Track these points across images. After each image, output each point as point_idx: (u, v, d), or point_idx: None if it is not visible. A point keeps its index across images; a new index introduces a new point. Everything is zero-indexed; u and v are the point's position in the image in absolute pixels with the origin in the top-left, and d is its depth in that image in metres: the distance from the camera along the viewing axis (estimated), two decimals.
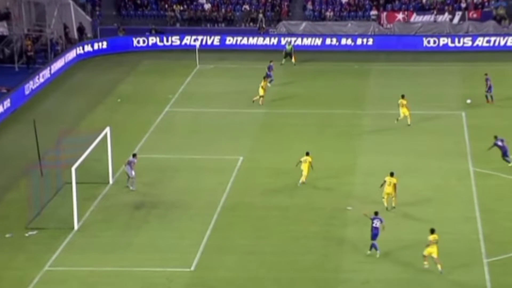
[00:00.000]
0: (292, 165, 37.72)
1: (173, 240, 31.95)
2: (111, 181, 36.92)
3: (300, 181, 35.92)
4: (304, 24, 63.23)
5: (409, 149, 41.28)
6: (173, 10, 64.91)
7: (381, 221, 30.65)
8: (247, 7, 65.05)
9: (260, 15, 64.21)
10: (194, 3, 65.38)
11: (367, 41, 61.11)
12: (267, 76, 50.09)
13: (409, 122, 44.02)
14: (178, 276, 29.31)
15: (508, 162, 38.42)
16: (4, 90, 50.02)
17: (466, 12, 63.18)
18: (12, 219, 33.53)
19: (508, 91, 50.18)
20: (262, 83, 47.86)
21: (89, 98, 50.31)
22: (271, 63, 52.09)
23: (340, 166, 39.20)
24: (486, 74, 47.91)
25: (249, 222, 33.56)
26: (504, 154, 38.39)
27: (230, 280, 29.25)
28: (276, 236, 32.33)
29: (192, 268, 29.85)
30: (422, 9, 63.83)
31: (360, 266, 30.07)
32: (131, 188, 36.12)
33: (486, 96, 47.58)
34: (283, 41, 59.65)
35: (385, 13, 63.67)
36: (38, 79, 51.68)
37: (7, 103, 47.18)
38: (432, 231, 29.60)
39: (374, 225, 30.56)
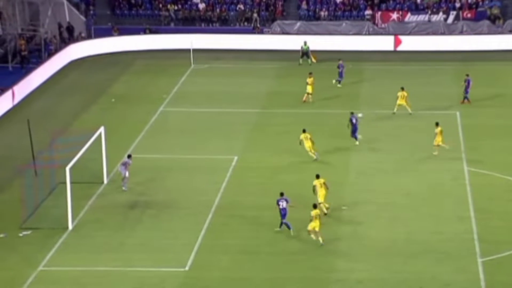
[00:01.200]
0: (288, 164, 37.75)
1: (167, 240, 31.95)
2: (105, 181, 36.91)
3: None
4: (298, 23, 63.29)
5: (402, 149, 41.35)
6: (167, 10, 64.90)
7: (287, 201, 32.09)
8: (241, 6, 65.08)
9: (255, 15, 64.25)
10: (189, 2, 65.39)
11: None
12: (339, 76, 50.18)
13: (410, 111, 45.39)
14: (172, 276, 29.33)
15: (356, 139, 40.78)
16: None
17: (460, 12, 63.31)
18: (6, 219, 33.49)
19: (502, 90, 50.34)
20: (308, 80, 47.53)
21: (83, 97, 50.28)
22: (341, 62, 51.39)
23: (333, 166, 39.23)
24: (467, 75, 47.88)
25: (243, 221, 33.57)
26: (354, 132, 41.00)
27: (224, 280, 29.27)
28: (270, 236, 32.34)
29: (186, 268, 29.86)
30: (416, 9, 63.95)
31: (353, 266, 30.11)
32: (123, 188, 36.10)
33: (465, 97, 47.42)
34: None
35: (379, 13, 63.77)
36: (32, 78, 51.61)
37: (1, 102, 47.10)
38: (315, 207, 31.46)
39: (280, 207, 32.05)
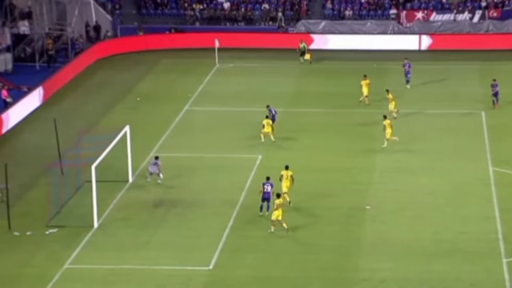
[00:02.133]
0: (310, 163, 37.76)
1: (191, 238, 32.05)
2: (130, 180, 37.08)
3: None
4: (323, 23, 63.18)
5: (427, 148, 41.16)
6: (193, 9, 65.04)
7: (272, 186, 33.08)
8: (266, 6, 65.06)
9: (280, 14, 64.21)
10: (214, 2, 65.47)
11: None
12: (405, 75, 49.74)
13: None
14: (196, 274, 29.40)
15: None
16: (25, 89, 50.34)
17: (486, 11, 62.88)
18: (33, 217, 33.74)
19: None
20: (363, 82, 47.07)
21: (109, 96, 50.53)
22: (407, 61, 50.96)
23: (358, 165, 39.16)
24: (494, 80, 47.18)
25: (267, 220, 33.54)
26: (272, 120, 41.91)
27: (248, 278, 29.30)
28: (293, 235, 32.32)
29: (211, 267, 29.92)
30: (442, 8, 63.59)
31: (377, 266, 30.03)
32: (158, 181, 36.40)
33: (493, 101, 46.85)
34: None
35: (404, 12, 63.47)
36: (59, 77, 51.93)
37: (28, 101, 47.47)
38: (278, 196, 32.21)
39: (265, 190, 32.94)
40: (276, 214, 32.01)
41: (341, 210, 34.56)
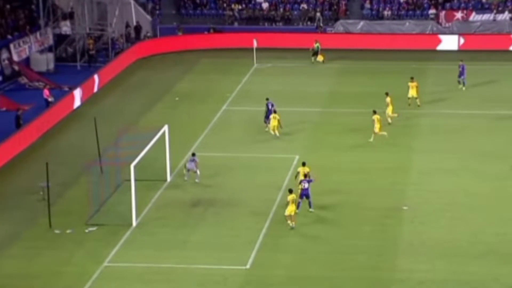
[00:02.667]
0: (347, 164, 37.61)
1: (228, 238, 32.10)
2: (168, 179, 37.25)
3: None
4: (361, 23, 62.95)
5: (466, 149, 40.78)
6: (232, 9, 65.18)
7: (309, 182, 33.38)
8: (305, 6, 64.98)
9: (318, 14, 64.09)
10: (252, 2, 65.56)
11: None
12: (459, 76, 49.37)
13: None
14: (233, 274, 29.43)
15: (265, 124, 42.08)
16: (66, 88, 50.85)
17: None
18: (73, 215, 34.02)
19: None
20: (410, 84, 46.42)
21: (148, 96, 50.83)
22: (462, 63, 50.45)
23: (395, 165, 38.94)
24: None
25: (305, 220, 33.47)
26: (266, 116, 42.31)
27: (285, 278, 29.27)
28: (330, 235, 32.26)
29: (248, 266, 29.94)
30: (481, 8, 62.95)
31: (415, 266, 29.82)
32: (196, 180, 36.56)
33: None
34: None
35: (443, 12, 62.97)
36: (99, 77, 52.38)
37: (69, 101, 47.93)
38: (290, 191, 32.29)
39: (303, 187, 33.25)
40: (290, 210, 32.17)
41: (378, 210, 34.37)
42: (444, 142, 41.75)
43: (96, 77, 51.96)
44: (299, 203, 33.47)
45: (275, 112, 42.18)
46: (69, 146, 42.55)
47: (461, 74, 50.21)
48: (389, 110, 43.85)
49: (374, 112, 41.50)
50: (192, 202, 35.23)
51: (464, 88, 50.11)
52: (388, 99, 44.15)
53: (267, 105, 43.37)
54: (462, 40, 60.43)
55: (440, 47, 60.43)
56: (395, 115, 43.96)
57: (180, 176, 37.47)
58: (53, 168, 34.60)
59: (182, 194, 36.01)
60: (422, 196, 35.63)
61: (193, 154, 37.33)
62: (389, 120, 43.63)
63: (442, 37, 61.22)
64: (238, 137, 43.21)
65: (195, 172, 36.84)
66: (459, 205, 34.69)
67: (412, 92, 46.38)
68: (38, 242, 31.99)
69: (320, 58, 56.80)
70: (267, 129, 42.69)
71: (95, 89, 51.35)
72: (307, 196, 33.57)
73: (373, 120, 41.04)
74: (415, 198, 35.40)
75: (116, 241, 31.73)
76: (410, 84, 46.61)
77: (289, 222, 32.46)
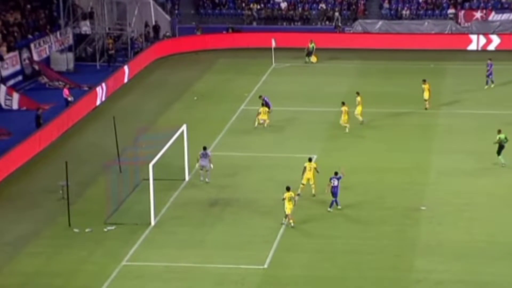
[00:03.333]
0: (365, 163, 37.51)
1: (246, 237, 32.11)
2: (187, 178, 37.30)
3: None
4: (380, 22, 62.79)
5: (484, 149, 40.51)
6: (250, 9, 65.19)
7: (338, 180, 33.49)
8: (323, 5, 64.88)
9: (336, 14, 63.96)
10: (271, 1, 65.53)
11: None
12: (487, 76, 48.79)
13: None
14: (251, 273, 29.43)
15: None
16: (86, 88, 51.05)
17: None
18: (92, 214, 34.14)
19: None
20: (424, 86, 45.92)
21: (167, 95, 50.95)
22: (490, 61, 49.94)
23: (413, 165, 38.82)
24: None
25: (322, 220, 33.48)
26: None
27: (302, 278, 29.25)
28: (348, 235, 32.21)
29: (265, 266, 29.94)
30: (501, 8, 62.57)
31: (433, 267, 29.71)
32: (206, 180, 36.43)
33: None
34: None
35: (462, 12, 62.66)
36: (118, 76, 52.55)
37: (88, 100, 48.12)
38: (288, 189, 32.17)
39: (333, 184, 33.34)
40: (289, 208, 32.11)
41: (396, 210, 34.28)
42: (463, 143, 41.55)
43: (115, 76, 52.10)
44: (332, 201, 33.52)
45: (262, 105, 43.08)
46: (89, 145, 42.71)
47: (489, 72, 49.80)
48: (358, 110, 43.56)
49: (343, 104, 42.41)
50: (210, 202, 35.27)
51: (492, 86, 49.67)
52: (358, 98, 43.85)
53: (263, 100, 43.87)
54: (482, 40, 60.10)
55: (459, 47, 60.09)
56: (361, 119, 43.39)
57: (199, 177, 37.47)
58: (72, 167, 34.75)
59: (200, 193, 36.05)
60: (440, 197, 35.49)
61: (204, 148, 37.07)
62: (360, 118, 43.36)
63: (461, 37, 60.91)
64: (256, 136, 43.19)
65: (207, 170, 36.58)
66: (477, 205, 34.53)
67: (425, 95, 45.94)
68: (57, 240, 32.15)
69: (314, 59, 56.60)
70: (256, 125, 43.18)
71: (114, 89, 51.48)
72: (336, 194, 33.58)
73: (342, 112, 42.03)
74: (433, 199, 35.27)
75: (135, 240, 31.81)
76: (423, 86, 46.15)
77: (291, 221, 32.35)
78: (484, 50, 59.25)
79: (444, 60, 57.15)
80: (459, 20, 62.49)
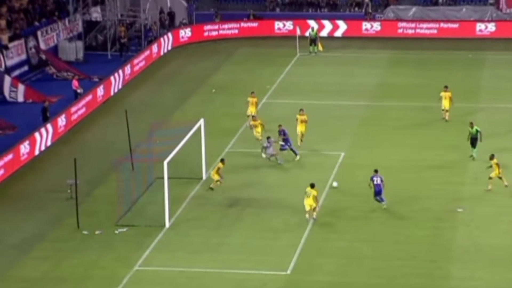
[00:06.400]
0: (397, 162, 37.48)
1: (268, 241, 32.16)
2: (204, 177, 37.41)
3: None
4: (414, 9, 62.59)
5: None
6: None
7: (381, 179, 33.89)
8: None
9: (366, 0, 63.81)
10: None
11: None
12: None
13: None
14: (272, 279, 29.49)
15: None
16: (96, 79, 51.32)
17: None
18: (102, 215, 34.32)
19: None
20: (443, 93, 43.28)
21: (183, 87, 51.11)
22: None
23: (449, 164, 38.71)
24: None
25: (349, 223, 33.49)
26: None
27: (328, 285, 29.28)
28: (377, 239, 32.19)
29: (288, 272, 29.96)
30: None
31: (470, 274, 29.65)
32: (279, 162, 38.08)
33: None
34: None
35: None
36: (131, 67, 52.77)
37: (99, 92, 48.37)
38: (312, 186, 32.98)
39: (375, 182, 33.82)
40: (308, 204, 32.75)
41: (430, 212, 34.23)
42: (503, 140, 41.31)
43: (127, 66, 52.33)
44: (380, 199, 33.89)
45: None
46: (99, 141, 42.94)
47: None
48: (251, 110, 42.83)
49: (301, 110, 40.57)
50: (229, 202, 35.35)
51: None
52: (250, 99, 42.92)
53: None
54: None
55: (501, 35, 59.74)
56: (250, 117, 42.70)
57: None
58: (81, 165, 34.98)
59: (218, 193, 36.13)
60: (479, 198, 35.35)
61: (268, 138, 37.90)
62: (250, 123, 41.76)
63: (502, 24, 60.57)
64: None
65: (275, 155, 37.78)
66: None
67: (445, 104, 43.20)
68: (65, 243, 32.36)
69: (320, 47, 56.37)
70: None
71: (126, 80, 51.71)
72: (379, 193, 33.90)
73: (296, 120, 40.59)
74: (471, 200, 35.15)
75: (148, 243, 31.95)
76: (443, 94, 43.59)
77: (314, 214, 32.94)
78: None
79: (484, 50, 56.86)
80: (501, 6, 62.13)
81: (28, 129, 41.76)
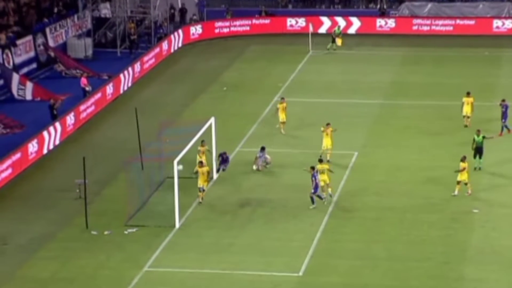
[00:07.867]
0: (411, 162, 37.47)
1: (279, 241, 32.25)
2: (215, 176, 37.53)
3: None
4: (429, 5, 62.61)
5: None
6: None
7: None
8: None
9: None
10: None
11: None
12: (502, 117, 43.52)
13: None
14: (284, 281, 29.58)
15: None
16: (105, 77, 51.50)
17: None
18: (111, 215, 34.48)
19: None
20: (466, 99, 42.40)
21: (193, 85, 51.23)
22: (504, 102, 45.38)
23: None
24: (503, 100, 42.44)
25: (363, 224, 33.56)
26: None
27: (341, 286, 29.36)
28: (391, 240, 32.24)
29: (300, 273, 30.06)
30: None
31: (485, 276, 29.68)
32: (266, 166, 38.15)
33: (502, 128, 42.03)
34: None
35: None
36: (140, 65, 52.94)
37: (108, 90, 48.55)
38: (320, 161, 35.27)
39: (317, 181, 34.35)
40: (322, 180, 34.17)
41: (445, 213, 34.25)
42: None
43: (137, 64, 52.50)
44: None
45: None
46: (108, 139, 43.09)
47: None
48: (467, 110, 42.43)
49: (282, 99, 42.81)
50: (240, 202, 35.46)
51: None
52: (470, 99, 42.50)
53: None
54: None
55: None
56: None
57: (226, 174, 37.67)
58: (90, 164, 35.13)
59: (229, 193, 36.26)
60: (494, 198, 35.35)
61: (262, 149, 38.06)
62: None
63: None
64: (291, 131, 43.27)
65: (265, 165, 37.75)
66: None
67: (467, 110, 42.51)
68: (73, 243, 32.53)
69: (339, 42, 56.39)
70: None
71: (136, 78, 51.88)
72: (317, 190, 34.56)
73: (277, 109, 42.20)
74: (487, 201, 35.15)
75: (158, 244, 32.09)
76: (465, 99, 42.51)
77: (329, 190, 34.44)
78: None
79: (501, 47, 56.77)
80: None
81: (37, 127, 41.97)
